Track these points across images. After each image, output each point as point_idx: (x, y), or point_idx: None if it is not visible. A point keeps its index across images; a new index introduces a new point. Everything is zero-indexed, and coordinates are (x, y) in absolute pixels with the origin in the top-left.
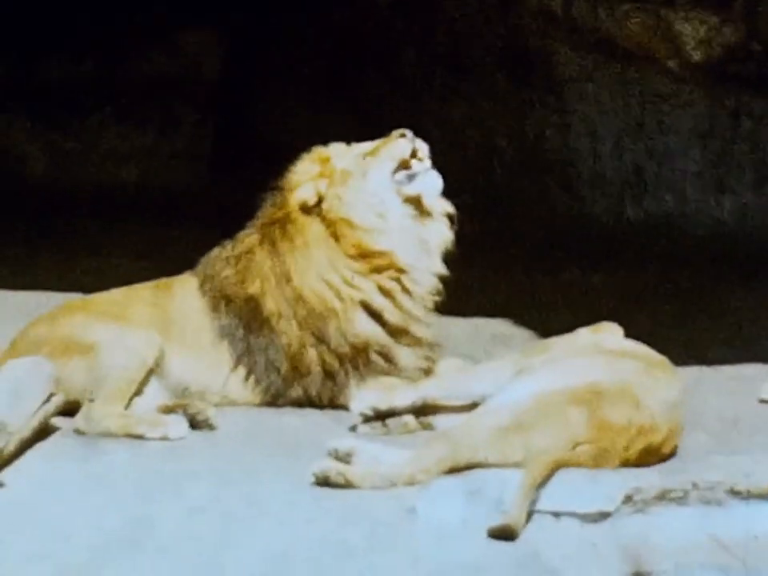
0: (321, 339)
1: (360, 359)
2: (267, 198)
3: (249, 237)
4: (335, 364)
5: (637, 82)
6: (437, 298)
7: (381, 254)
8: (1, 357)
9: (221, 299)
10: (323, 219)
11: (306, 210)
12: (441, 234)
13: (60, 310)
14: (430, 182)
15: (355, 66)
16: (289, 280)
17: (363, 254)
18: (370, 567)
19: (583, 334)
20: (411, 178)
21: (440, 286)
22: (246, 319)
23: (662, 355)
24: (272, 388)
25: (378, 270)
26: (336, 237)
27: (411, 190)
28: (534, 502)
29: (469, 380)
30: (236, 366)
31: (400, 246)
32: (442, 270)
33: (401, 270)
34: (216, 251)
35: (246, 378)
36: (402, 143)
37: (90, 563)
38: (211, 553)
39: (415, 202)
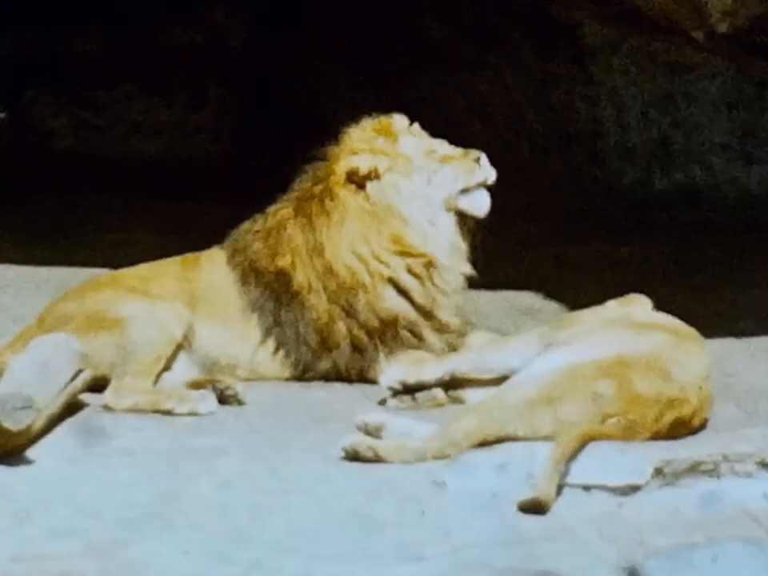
0: (350, 313)
1: (389, 334)
2: (306, 170)
3: (281, 210)
4: (364, 338)
5: (663, 53)
6: (463, 294)
7: (421, 255)
8: (28, 333)
9: (250, 272)
10: (366, 197)
11: (352, 178)
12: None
13: (87, 285)
14: (483, 203)
15: (381, 37)
16: (320, 253)
17: (402, 249)
18: (399, 541)
19: (612, 307)
20: (468, 195)
21: (465, 284)
22: (276, 293)
23: (691, 327)
24: (301, 362)
25: (410, 256)
26: (376, 218)
27: (466, 206)
28: (563, 476)
29: (497, 353)
30: (265, 340)
31: (440, 251)
32: (471, 271)
33: (433, 266)
34: (246, 225)
35: (275, 352)
36: (481, 172)
37: (119, 538)
38: (240, 527)
39: (462, 215)
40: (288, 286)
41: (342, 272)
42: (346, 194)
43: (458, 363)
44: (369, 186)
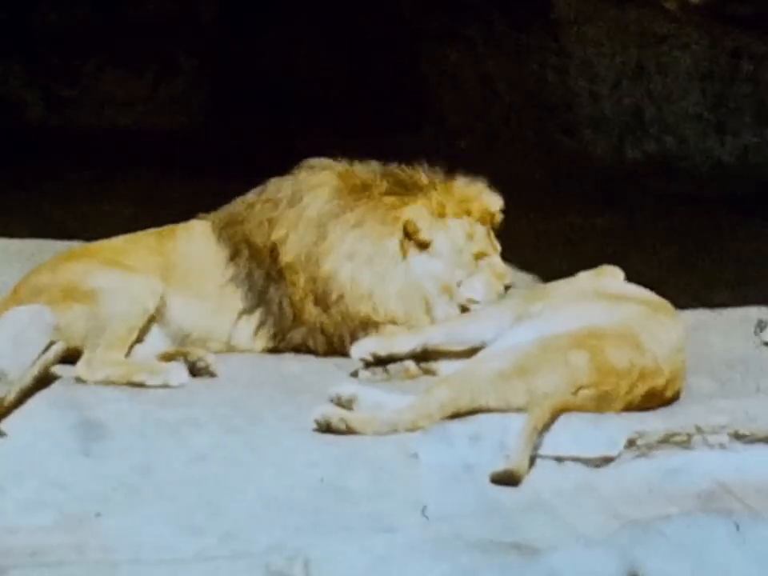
0: (322, 302)
1: (357, 329)
2: (374, 168)
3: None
4: (330, 328)
5: (635, 24)
6: None
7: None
8: (2, 305)
9: (243, 246)
10: (403, 250)
11: (406, 228)
12: None
13: (62, 257)
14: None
15: (353, 8)
16: (323, 239)
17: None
18: (372, 512)
19: (584, 278)
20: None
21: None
22: (266, 267)
23: (664, 298)
24: (277, 335)
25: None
26: (403, 250)
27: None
28: (536, 447)
29: (470, 325)
30: (247, 314)
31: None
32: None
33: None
34: (244, 197)
35: (257, 327)
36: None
37: (91, 511)
38: (213, 499)
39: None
40: (277, 261)
41: (327, 269)
42: (393, 231)
43: (431, 335)
44: (408, 244)
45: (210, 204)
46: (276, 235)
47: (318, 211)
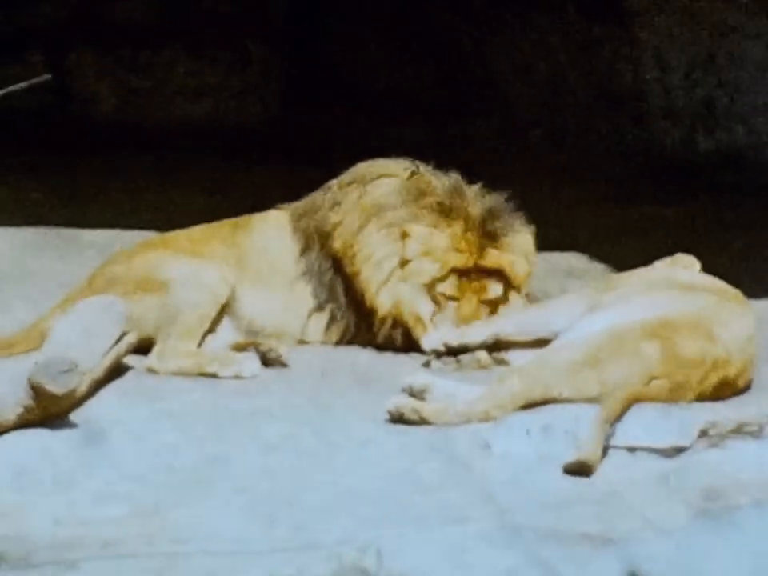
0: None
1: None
2: (446, 181)
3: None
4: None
5: (707, 14)
6: None
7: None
8: (78, 295)
9: (315, 237)
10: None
11: (458, 269)
12: None
13: (137, 247)
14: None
15: (424, 0)
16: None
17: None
18: (445, 503)
19: (659, 268)
20: None
21: None
22: (337, 261)
23: (735, 288)
24: (349, 332)
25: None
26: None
27: None
28: (609, 438)
29: (542, 315)
30: (317, 310)
31: None
32: None
33: None
34: (324, 186)
35: (329, 323)
36: None
37: (164, 502)
38: (286, 490)
39: None
40: (332, 249)
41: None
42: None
43: (503, 325)
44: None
45: (282, 194)
46: (334, 219)
47: (374, 200)
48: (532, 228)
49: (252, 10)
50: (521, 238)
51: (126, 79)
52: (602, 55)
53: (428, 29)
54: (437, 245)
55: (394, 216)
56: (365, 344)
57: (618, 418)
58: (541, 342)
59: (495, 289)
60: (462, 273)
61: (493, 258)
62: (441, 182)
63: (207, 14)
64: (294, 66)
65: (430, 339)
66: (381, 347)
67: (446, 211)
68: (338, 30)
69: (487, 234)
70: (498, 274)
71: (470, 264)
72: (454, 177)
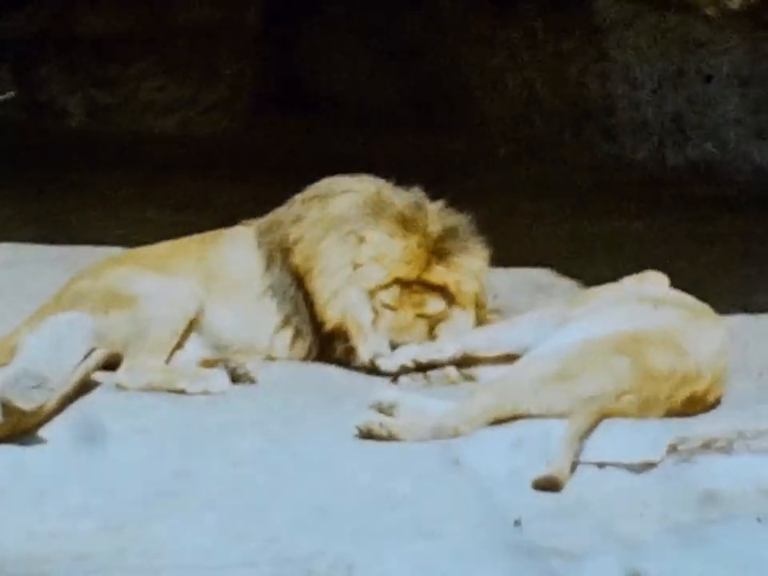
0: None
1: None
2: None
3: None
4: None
5: (676, 29)
6: None
7: None
8: (45, 311)
9: (278, 253)
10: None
11: (402, 280)
12: None
13: (104, 263)
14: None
15: (394, 13)
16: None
17: None
18: (416, 519)
19: (628, 284)
20: None
21: None
22: (299, 276)
23: (705, 303)
24: (313, 347)
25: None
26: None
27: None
28: (578, 453)
29: (512, 330)
30: (283, 326)
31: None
32: None
33: None
34: (287, 202)
35: (294, 339)
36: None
37: (135, 517)
38: (256, 505)
39: None
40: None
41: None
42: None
43: (473, 341)
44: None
45: (252, 209)
46: (294, 235)
47: (335, 214)
48: (487, 252)
49: (222, 25)
50: (473, 260)
51: (95, 94)
52: (572, 70)
53: (399, 43)
54: (387, 252)
55: (353, 226)
56: (329, 361)
57: (588, 433)
58: (510, 358)
59: (435, 305)
60: (405, 284)
61: (438, 274)
62: (402, 197)
63: (177, 28)
64: (262, 81)
65: (399, 355)
66: (342, 363)
67: (404, 223)
68: (308, 44)
69: (441, 251)
70: (442, 290)
71: (414, 276)
72: (417, 193)
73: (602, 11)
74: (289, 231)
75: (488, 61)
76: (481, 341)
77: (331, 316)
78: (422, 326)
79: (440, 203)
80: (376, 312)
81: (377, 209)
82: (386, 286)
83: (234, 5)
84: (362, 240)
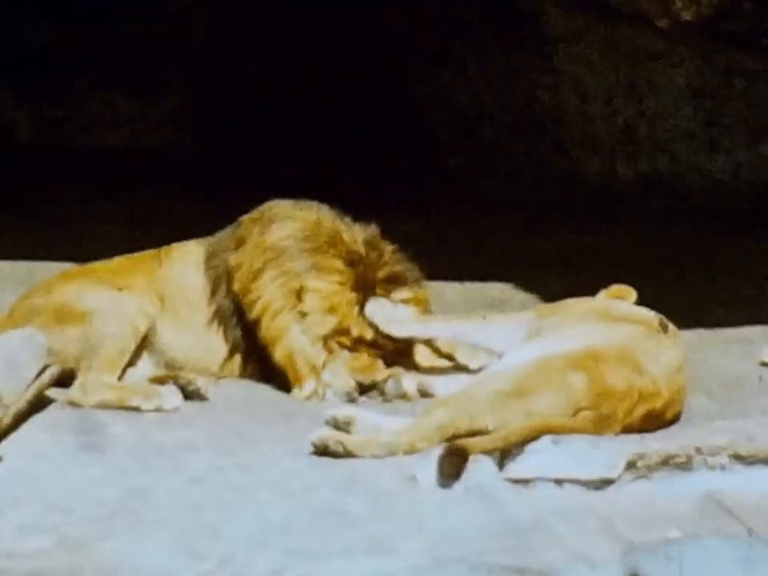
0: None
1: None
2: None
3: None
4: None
5: (627, 42)
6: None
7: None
8: None
9: (223, 279)
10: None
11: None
12: None
13: (56, 278)
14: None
15: (343, 27)
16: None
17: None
18: (371, 536)
19: (599, 298)
20: None
21: None
22: (241, 305)
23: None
24: (264, 373)
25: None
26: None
27: None
28: (501, 457)
29: (482, 330)
30: (234, 351)
31: None
32: None
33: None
34: (230, 228)
35: (243, 365)
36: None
37: (90, 534)
38: (211, 522)
39: None
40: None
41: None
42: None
43: (439, 329)
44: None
45: (203, 224)
46: (234, 261)
47: (274, 244)
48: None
49: (169, 39)
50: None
51: (43, 108)
52: (522, 83)
53: (348, 58)
54: (338, 302)
55: (291, 266)
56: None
57: (522, 442)
58: (462, 368)
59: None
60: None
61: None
62: (350, 230)
63: (124, 42)
64: (210, 96)
65: (311, 389)
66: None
67: (352, 262)
68: (256, 59)
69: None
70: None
71: (365, 332)
72: (371, 229)
73: (552, 24)
74: (230, 257)
75: (437, 75)
76: (449, 332)
77: (278, 357)
78: (379, 362)
79: (392, 247)
80: (330, 351)
81: (320, 243)
82: (341, 332)
83: (181, 19)
84: (303, 290)
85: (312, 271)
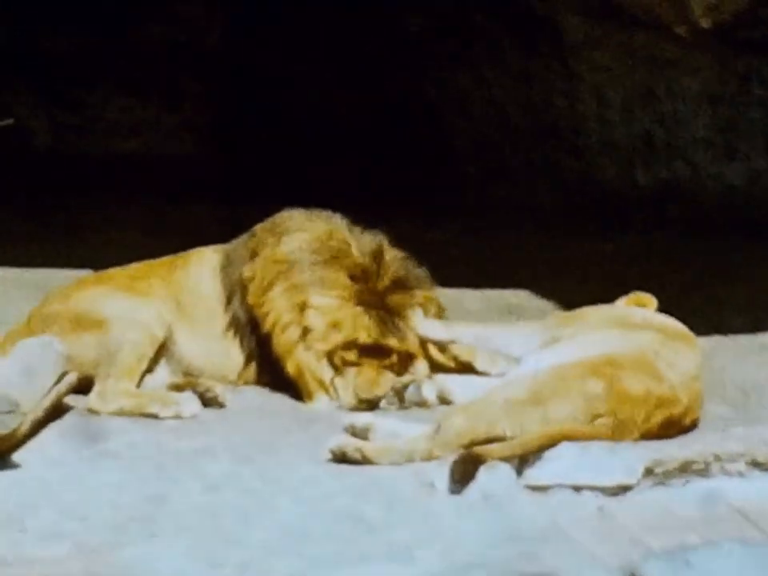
0: None
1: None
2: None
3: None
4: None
5: (645, 48)
6: None
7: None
8: (16, 334)
9: (238, 288)
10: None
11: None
12: None
13: (73, 285)
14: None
15: (359, 32)
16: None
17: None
18: (389, 542)
19: (619, 305)
20: None
21: None
22: (253, 315)
23: (683, 326)
24: (280, 379)
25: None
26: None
27: None
28: (519, 464)
29: (502, 335)
30: (250, 360)
31: None
32: None
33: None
34: (245, 236)
35: (259, 372)
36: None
37: (106, 542)
38: (230, 529)
39: None
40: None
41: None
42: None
43: (462, 333)
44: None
45: (217, 231)
46: (247, 273)
47: (285, 256)
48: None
49: (185, 46)
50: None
51: (60, 115)
52: (539, 89)
53: (365, 62)
54: (342, 317)
55: (300, 278)
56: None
57: (540, 449)
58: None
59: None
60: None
61: (391, 342)
62: (359, 242)
63: (140, 49)
64: (227, 101)
65: (323, 403)
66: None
67: (357, 276)
68: (271, 65)
69: (391, 307)
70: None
71: (370, 341)
72: (378, 238)
73: (570, 30)
74: (244, 268)
75: (454, 80)
76: (471, 336)
77: (290, 370)
78: (386, 376)
79: (401, 254)
80: (337, 368)
81: (329, 256)
82: (346, 348)
83: (196, 27)
84: (304, 305)
85: (317, 285)
